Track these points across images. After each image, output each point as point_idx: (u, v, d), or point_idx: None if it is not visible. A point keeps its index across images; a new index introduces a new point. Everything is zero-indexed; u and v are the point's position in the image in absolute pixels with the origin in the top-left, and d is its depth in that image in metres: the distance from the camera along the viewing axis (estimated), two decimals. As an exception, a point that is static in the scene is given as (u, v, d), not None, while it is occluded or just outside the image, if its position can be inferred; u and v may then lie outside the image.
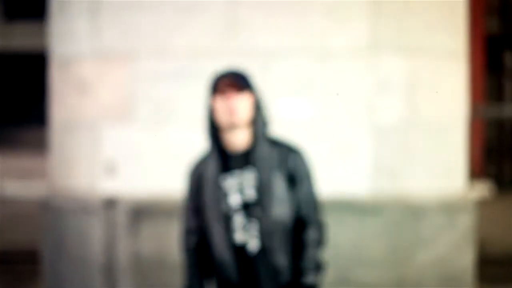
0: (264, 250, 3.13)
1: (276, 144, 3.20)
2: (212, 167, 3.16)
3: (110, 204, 5.03)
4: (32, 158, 8.97)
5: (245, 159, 3.15)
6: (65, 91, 5.35)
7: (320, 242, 3.20)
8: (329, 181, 4.68)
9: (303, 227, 3.19)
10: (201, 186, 3.18)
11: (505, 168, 9.76)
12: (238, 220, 3.15)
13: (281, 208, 3.13)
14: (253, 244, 3.14)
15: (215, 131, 3.16)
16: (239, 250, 3.15)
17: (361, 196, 5.00)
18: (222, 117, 3.11)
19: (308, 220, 3.19)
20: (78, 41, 5.24)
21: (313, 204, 3.21)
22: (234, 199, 3.15)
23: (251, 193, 3.15)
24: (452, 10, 5.24)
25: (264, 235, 3.12)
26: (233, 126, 3.11)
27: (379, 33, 5.01)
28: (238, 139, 3.14)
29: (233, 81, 3.11)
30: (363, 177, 4.98)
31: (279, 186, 3.14)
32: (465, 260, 5.16)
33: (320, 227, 3.20)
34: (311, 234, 3.17)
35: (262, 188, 3.12)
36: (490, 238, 7.35)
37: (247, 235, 3.14)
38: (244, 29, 4.97)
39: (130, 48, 5.09)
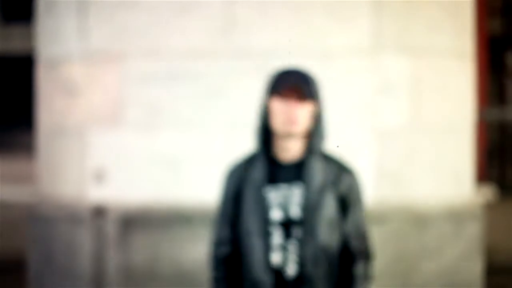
0: (304, 277, 2.83)
1: (329, 160, 2.91)
2: (258, 175, 2.87)
3: (99, 212, 4.90)
4: (30, 162, 8.83)
5: (295, 172, 2.87)
6: (53, 94, 5.23)
7: (369, 277, 2.92)
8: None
9: (351, 259, 2.88)
10: (241, 193, 2.89)
11: (508, 171, 9.70)
12: (277, 239, 2.86)
13: (328, 232, 2.84)
14: (291, 268, 2.85)
15: (266, 134, 2.88)
16: (275, 273, 2.85)
17: (364, 203, 4.71)
18: (279, 124, 2.84)
19: (358, 252, 2.89)
20: (66, 41, 5.11)
21: (364, 233, 2.94)
22: (275, 215, 2.85)
23: (295, 211, 2.85)
24: (458, 8, 5.12)
25: (306, 261, 2.83)
26: (289, 136, 2.85)
27: (382, 32, 4.89)
28: (291, 148, 2.87)
29: (298, 87, 2.83)
30: (365, 183, 4.66)
31: (329, 207, 2.85)
32: (473, 270, 5.05)
33: (369, 260, 2.92)
34: (360, 268, 2.88)
35: (310, 207, 2.83)
36: (494, 245, 7.13)
37: (285, 257, 2.85)
38: (241, 28, 4.84)
39: (120, 49, 4.95)
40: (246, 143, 4.69)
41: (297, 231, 2.84)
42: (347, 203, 2.88)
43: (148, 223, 4.82)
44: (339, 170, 2.89)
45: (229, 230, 2.91)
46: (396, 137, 4.92)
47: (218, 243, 2.94)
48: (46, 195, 5.26)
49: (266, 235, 2.83)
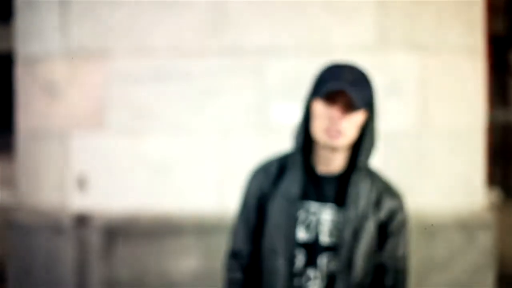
0: None
1: (374, 179, 2.50)
2: (292, 187, 2.46)
3: (81, 221, 4.68)
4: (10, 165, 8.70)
5: (334, 188, 2.46)
6: (32, 95, 4.97)
7: None
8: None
9: None
10: (268, 202, 2.49)
11: (511, 174, 9.52)
12: (299, 262, 2.46)
13: (364, 266, 2.43)
14: None
15: (305, 138, 2.46)
16: None
17: None
18: (319, 132, 2.41)
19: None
20: (47, 39, 4.86)
21: (403, 273, 2.48)
22: (301, 236, 2.45)
23: (326, 236, 2.44)
24: (469, 3, 4.84)
25: None
26: (330, 148, 2.44)
27: (388, 29, 4.62)
28: (332, 160, 2.45)
29: (349, 92, 2.36)
30: None
31: (370, 236, 2.44)
32: (485, 283, 4.78)
33: None
34: None
35: (349, 235, 2.42)
36: (501, 251, 6.90)
37: (307, 285, 2.45)
38: (234, 25, 4.57)
39: (103, 47, 4.69)
40: (240, 147, 4.61)
41: (327, 260, 2.43)
42: (387, 233, 2.45)
43: (134, 233, 4.62)
44: (383, 192, 2.46)
45: (248, 242, 2.51)
46: (402, 141, 4.67)
47: (234, 255, 2.54)
48: (25, 202, 5.04)
49: (292, 258, 2.44)
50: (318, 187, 2.45)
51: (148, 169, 4.63)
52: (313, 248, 2.43)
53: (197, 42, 4.60)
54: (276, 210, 2.45)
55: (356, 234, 2.41)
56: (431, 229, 4.63)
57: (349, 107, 2.38)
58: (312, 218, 2.44)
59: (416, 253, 4.40)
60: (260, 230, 2.49)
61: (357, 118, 2.40)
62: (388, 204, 2.45)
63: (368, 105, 2.41)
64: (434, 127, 4.74)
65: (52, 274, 4.78)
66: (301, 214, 2.45)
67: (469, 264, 4.71)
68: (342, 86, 2.35)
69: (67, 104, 4.77)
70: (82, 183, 4.72)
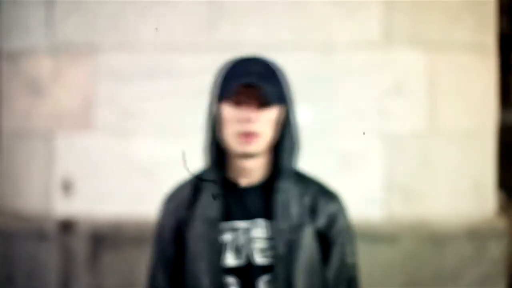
0: None
1: (305, 183, 2.20)
2: (210, 207, 2.15)
3: (66, 227, 4.51)
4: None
5: (259, 200, 2.16)
6: (16, 92, 4.80)
7: None
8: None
9: None
10: (185, 230, 2.18)
11: None
12: None
13: (307, 283, 2.12)
14: None
15: (218, 151, 2.16)
16: None
17: (372, 220, 4.41)
18: (231, 140, 2.11)
19: None
20: (31, 34, 4.69)
21: (355, 285, 2.19)
22: (230, 262, 2.14)
23: (259, 257, 2.13)
24: None
25: None
26: (245, 156, 2.14)
27: (393, 25, 4.43)
28: (251, 169, 2.15)
29: (257, 87, 2.07)
30: (374, 197, 4.41)
31: (308, 249, 2.14)
32: None
33: None
34: None
35: (283, 251, 2.12)
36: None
37: None
38: (228, 19, 4.39)
39: (90, 42, 4.51)
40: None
41: (264, 284, 2.12)
42: (329, 241, 2.16)
43: (122, 240, 4.45)
44: (318, 196, 2.17)
45: (167, 279, 2.19)
46: (409, 144, 4.48)
47: None
48: (7, 206, 4.88)
49: None
50: (242, 203, 2.15)
51: (136, 172, 4.48)
52: (247, 273, 2.12)
53: (189, 37, 4.42)
54: (195, 237, 2.15)
55: (292, 248, 2.11)
56: (439, 239, 4.47)
57: (261, 105, 2.09)
58: (241, 239, 2.13)
59: (422, 264, 4.43)
60: (181, 266, 2.18)
61: (272, 115, 2.11)
62: (325, 209, 2.17)
63: (283, 99, 2.12)
64: (443, 128, 4.57)
65: (36, 282, 4.63)
66: (227, 237, 2.13)
67: (480, 275, 4.54)
68: (250, 79, 2.06)
69: (52, 102, 4.61)
70: (66, 187, 4.58)
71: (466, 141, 4.63)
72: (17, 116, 4.80)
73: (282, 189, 2.13)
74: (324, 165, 4.33)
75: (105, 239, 4.48)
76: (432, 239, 4.46)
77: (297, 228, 2.12)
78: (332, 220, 2.16)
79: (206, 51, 4.36)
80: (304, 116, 4.42)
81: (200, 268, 2.12)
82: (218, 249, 2.11)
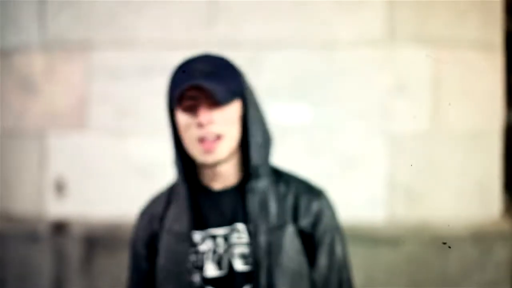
0: None
1: (283, 179, 2.06)
2: (178, 218, 2.02)
3: (59, 229, 4.45)
4: None
5: (234, 204, 2.02)
6: (8, 90, 4.73)
7: None
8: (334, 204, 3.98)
9: None
10: (157, 247, 2.05)
11: None
12: None
13: None
14: None
15: (183, 157, 2.02)
16: None
17: (374, 223, 4.34)
18: (193, 149, 1.97)
19: None
20: (24, 30, 4.62)
21: (348, 286, 2.04)
22: (211, 272, 2.00)
23: (240, 265, 1.98)
24: None
25: None
26: (209, 165, 2.00)
27: (397, 22, 4.36)
28: (222, 173, 2.02)
29: (202, 86, 1.92)
30: (376, 199, 4.34)
31: (291, 252, 1.99)
32: None
33: None
34: None
35: (262, 256, 1.98)
36: None
37: None
38: (227, 16, 4.32)
39: (84, 39, 4.44)
40: None
41: None
42: (315, 241, 2.01)
43: (117, 243, 4.37)
44: (301, 193, 2.02)
45: None
46: (412, 144, 4.41)
47: None
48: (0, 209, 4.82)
49: None
50: (218, 208, 2.01)
51: (132, 173, 4.42)
52: (229, 284, 1.97)
53: (186, 34, 4.35)
54: (163, 252, 2.01)
55: (273, 252, 1.96)
56: (444, 241, 4.41)
57: (212, 105, 1.94)
58: (220, 247, 1.99)
59: (425, 268, 4.35)
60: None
61: (231, 112, 1.96)
62: (310, 207, 2.01)
63: (237, 93, 1.97)
64: (447, 129, 4.51)
65: (28, 285, 4.58)
66: (205, 246, 1.99)
67: (485, 280, 4.47)
68: (194, 81, 1.92)
69: (44, 100, 4.54)
70: (60, 188, 4.53)
71: (471, 142, 4.58)
72: (9, 115, 4.75)
73: (256, 189, 1.99)
74: (325, 166, 4.29)
75: (99, 241, 4.42)
76: (435, 242, 4.40)
77: (277, 230, 1.98)
78: (317, 219, 2.01)
79: (203, 48, 4.26)
80: (305, 116, 4.37)
81: (169, 286, 2.00)
82: (186, 266, 1.97)
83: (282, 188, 2.02)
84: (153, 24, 4.39)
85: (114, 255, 4.39)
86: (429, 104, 4.44)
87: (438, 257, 4.39)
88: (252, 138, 1.98)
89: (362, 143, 4.37)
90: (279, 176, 2.04)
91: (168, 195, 2.07)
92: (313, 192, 2.03)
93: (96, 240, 4.42)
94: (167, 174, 4.27)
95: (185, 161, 2.01)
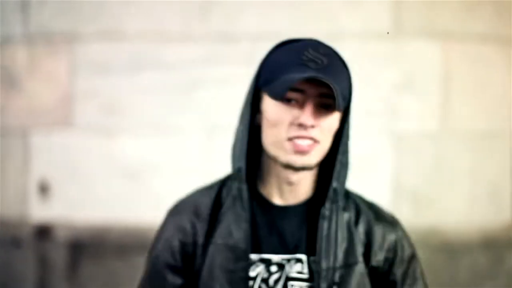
0: None
1: (351, 203, 1.79)
2: (235, 234, 1.69)
3: (42, 234, 4.38)
4: None
5: (298, 227, 1.71)
6: None
7: None
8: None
9: None
10: (195, 261, 1.72)
11: None
12: None
13: None
14: None
15: (252, 157, 1.74)
16: None
17: None
18: (279, 147, 1.67)
19: None
20: (6, 20, 4.51)
21: None
22: None
23: None
24: None
25: None
26: (293, 169, 1.70)
27: (405, 14, 4.23)
28: (296, 186, 1.73)
29: (330, 85, 1.62)
30: (381, 202, 4.13)
31: None
32: None
33: None
34: None
35: None
36: None
37: None
38: (223, 7, 4.19)
39: (70, 30, 4.31)
40: (228, 149, 4.28)
41: None
42: (391, 280, 1.76)
43: (104, 249, 4.30)
44: (373, 223, 1.77)
45: None
46: (420, 144, 4.28)
47: None
48: None
49: None
50: (277, 229, 1.71)
51: (120, 174, 4.31)
52: None
53: (179, 26, 4.23)
54: (213, 270, 1.70)
55: None
56: (452, 248, 4.28)
57: (325, 109, 1.67)
58: (273, 278, 1.69)
59: (434, 275, 4.05)
60: None
61: (334, 120, 1.69)
62: (385, 239, 1.76)
63: (348, 102, 1.72)
64: (457, 128, 4.39)
65: None
66: (254, 273, 1.69)
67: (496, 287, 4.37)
68: (314, 73, 1.62)
69: (27, 96, 4.43)
70: (43, 190, 4.42)
71: (483, 142, 4.45)
72: (-9, 111, 4.61)
73: (330, 215, 1.71)
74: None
75: (85, 247, 4.33)
76: (444, 249, 4.28)
77: (345, 268, 1.70)
78: (395, 252, 1.76)
79: (197, 41, 4.15)
80: None
81: None
82: (244, 282, 1.67)
83: (352, 213, 1.74)
84: (142, 15, 4.26)
85: (101, 261, 4.29)
86: (438, 102, 4.32)
87: (447, 265, 4.27)
88: (339, 156, 1.71)
89: (366, 143, 4.24)
90: (346, 197, 1.77)
91: (217, 193, 1.76)
92: (388, 220, 1.77)
93: (82, 245, 4.33)
94: (156, 176, 4.21)
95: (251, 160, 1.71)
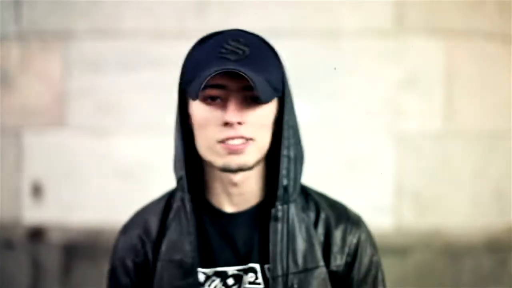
0: None
1: (311, 201, 1.62)
2: (182, 247, 1.58)
3: (35, 236, 4.31)
4: None
5: (250, 234, 1.57)
6: None
7: None
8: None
9: None
10: (147, 274, 1.61)
11: None
12: None
13: None
14: None
15: (192, 163, 1.60)
16: None
17: (381, 230, 4.16)
18: (211, 151, 1.54)
19: None
20: (1, 18, 4.44)
21: None
22: None
23: None
24: None
25: None
26: (233, 171, 1.57)
27: (407, 10, 4.18)
28: (240, 189, 1.60)
29: (248, 77, 1.47)
30: (383, 204, 4.16)
31: None
32: None
33: None
34: None
35: None
36: None
37: None
38: (219, 3, 4.14)
39: (63, 27, 4.25)
40: None
41: None
42: (352, 284, 1.64)
43: (98, 251, 4.22)
44: (333, 222, 1.63)
45: None
46: (423, 144, 4.22)
47: None
48: None
49: None
50: (229, 238, 1.59)
51: (115, 175, 4.24)
52: None
53: (174, 23, 4.16)
54: (159, 285, 1.60)
55: None
56: (456, 250, 4.23)
57: (248, 99, 1.52)
58: None
59: (437, 278, 4.18)
60: None
61: (266, 113, 1.54)
62: (345, 241, 1.64)
63: (279, 91, 1.55)
64: (461, 128, 4.33)
65: None
66: (211, 285, 1.58)
67: None
68: (230, 65, 1.49)
69: (20, 95, 4.36)
70: (36, 191, 4.36)
71: (488, 142, 4.39)
72: (-17, 110, 4.52)
73: (283, 217, 1.58)
74: (328, 168, 4.11)
75: (79, 249, 4.28)
76: (448, 251, 4.23)
77: (304, 273, 1.59)
78: (356, 254, 1.64)
79: (193, 38, 4.10)
80: (305, 112, 4.18)
81: None
82: None
83: (311, 213, 1.61)
84: (137, 12, 4.19)
85: (94, 264, 4.21)
86: (441, 101, 4.26)
87: (450, 267, 4.22)
88: (284, 150, 1.56)
89: (368, 143, 4.18)
90: (305, 195, 1.63)
91: (165, 207, 1.65)
92: (350, 219, 1.64)
93: (76, 248, 4.27)
94: (152, 177, 4.11)
95: (190, 169, 1.58)
